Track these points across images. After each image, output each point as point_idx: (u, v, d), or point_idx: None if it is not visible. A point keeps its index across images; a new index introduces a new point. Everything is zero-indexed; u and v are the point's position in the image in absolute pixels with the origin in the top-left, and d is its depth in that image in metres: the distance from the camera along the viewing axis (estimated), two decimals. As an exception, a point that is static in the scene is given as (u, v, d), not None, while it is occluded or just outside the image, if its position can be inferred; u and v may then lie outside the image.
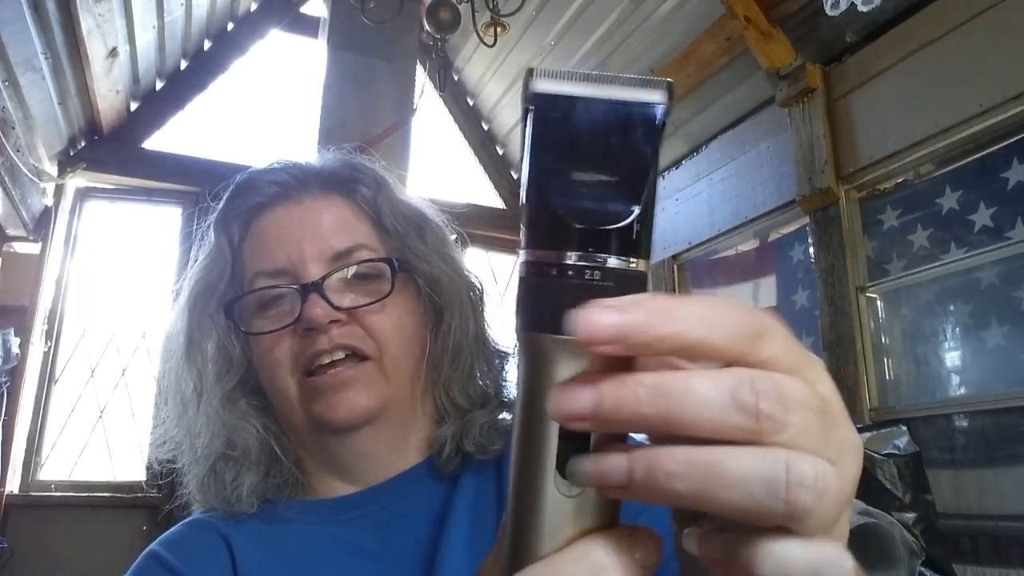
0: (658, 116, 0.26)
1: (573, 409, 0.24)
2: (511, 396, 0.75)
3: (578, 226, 0.25)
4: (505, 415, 0.73)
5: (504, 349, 0.76)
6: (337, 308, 0.66)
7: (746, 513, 0.23)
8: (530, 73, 0.26)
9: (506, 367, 0.76)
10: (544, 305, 0.25)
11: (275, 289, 0.68)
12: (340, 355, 0.66)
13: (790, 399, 0.24)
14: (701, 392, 0.23)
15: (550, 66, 0.26)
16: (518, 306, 0.26)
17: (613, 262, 0.25)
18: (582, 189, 0.25)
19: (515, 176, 5.09)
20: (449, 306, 0.72)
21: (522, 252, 0.26)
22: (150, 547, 0.67)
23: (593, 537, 0.26)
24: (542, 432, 0.26)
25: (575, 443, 0.26)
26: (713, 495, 0.23)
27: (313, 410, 0.66)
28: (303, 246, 0.69)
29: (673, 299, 0.24)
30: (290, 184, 0.72)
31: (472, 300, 0.75)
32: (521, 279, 0.26)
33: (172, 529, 0.70)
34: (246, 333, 0.69)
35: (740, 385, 0.23)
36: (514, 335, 0.27)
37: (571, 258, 0.25)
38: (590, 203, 0.25)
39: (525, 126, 0.26)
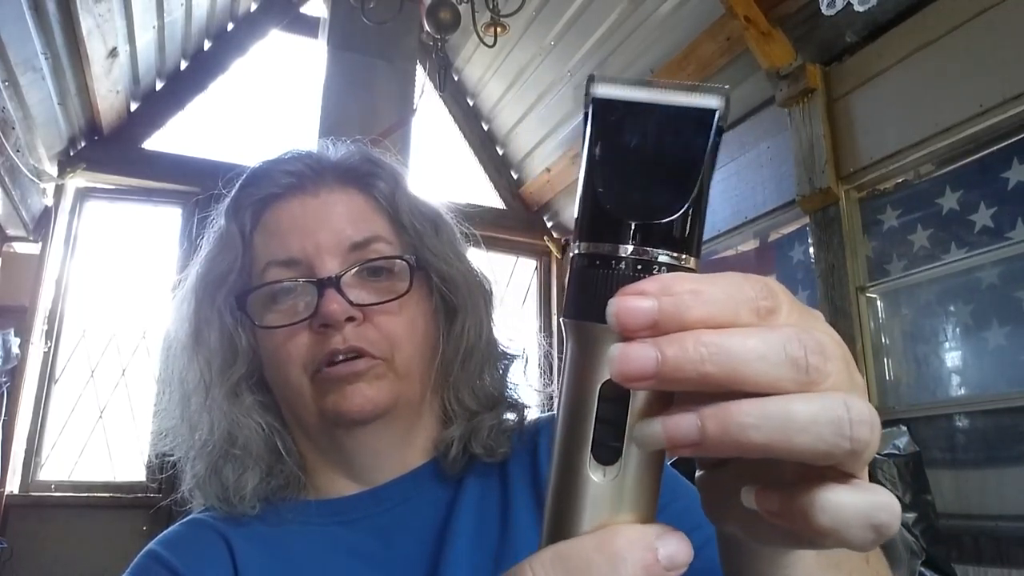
0: (712, 121, 0.27)
1: (634, 369, 0.24)
2: (517, 398, 0.74)
3: (630, 221, 0.26)
4: (509, 416, 0.72)
5: (511, 352, 0.75)
6: (354, 304, 0.65)
7: (816, 454, 0.25)
8: (591, 78, 0.27)
9: (511, 369, 0.75)
10: (594, 295, 0.26)
11: (290, 282, 0.67)
12: (353, 355, 0.65)
13: (827, 350, 0.26)
14: (757, 348, 0.25)
15: (612, 72, 0.27)
16: (568, 295, 0.28)
17: (663, 257, 0.26)
18: (636, 187, 0.27)
19: (515, 176, 5.09)
20: (463, 307, 0.71)
21: (575, 245, 0.28)
22: (148, 546, 0.66)
23: (621, 526, 0.26)
24: (582, 418, 0.27)
25: (611, 428, 0.27)
26: (787, 440, 0.24)
27: (326, 402, 0.65)
28: (319, 237, 0.67)
29: (696, 281, 0.25)
30: (306, 175, 0.71)
31: (485, 301, 0.74)
32: (572, 270, 0.28)
33: (171, 528, 0.69)
34: (260, 327, 0.68)
35: (788, 341, 0.25)
36: (563, 323, 0.28)
37: (623, 251, 0.26)
38: (643, 200, 0.27)
39: (585, 128, 0.28)
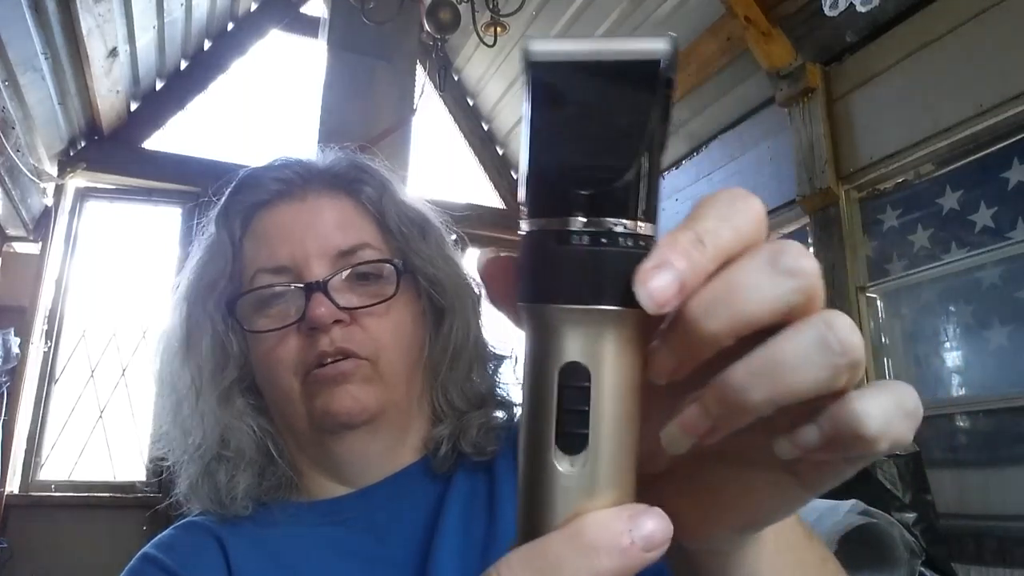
0: (659, 71, 0.24)
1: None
2: (507, 396, 0.75)
3: (579, 190, 0.24)
4: (498, 414, 0.73)
5: (500, 352, 0.76)
6: (341, 308, 0.66)
7: (820, 385, 0.24)
8: (526, 43, 0.25)
9: (501, 369, 0.76)
10: (548, 275, 0.25)
11: (279, 287, 0.68)
12: (340, 357, 0.66)
13: (812, 271, 0.25)
14: (749, 265, 0.25)
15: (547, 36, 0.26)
16: (521, 278, 0.26)
17: (619, 226, 0.24)
18: (580, 152, 0.25)
19: (515, 176, 5.09)
20: (451, 309, 0.72)
21: (524, 223, 0.26)
22: (143, 550, 0.66)
23: (590, 515, 0.24)
24: (543, 406, 0.25)
25: (573, 416, 0.25)
26: (786, 386, 0.24)
27: (315, 405, 0.65)
28: (306, 243, 0.68)
29: (692, 225, 0.25)
30: (294, 182, 0.72)
31: (473, 303, 0.75)
32: (523, 250, 0.26)
33: (165, 532, 0.69)
34: (249, 331, 0.68)
35: (777, 251, 0.25)
36: (520, 308, 0.26)
37: (575, 224, 0.24)
38: (591, 166, 0.25)
39: (524, 95, 0.26)
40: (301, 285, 0.66)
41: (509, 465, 0.70)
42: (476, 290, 0.76)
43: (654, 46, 0.24)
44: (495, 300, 0.29)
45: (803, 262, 0.25)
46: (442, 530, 0.64)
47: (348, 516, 0.68)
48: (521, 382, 0.27)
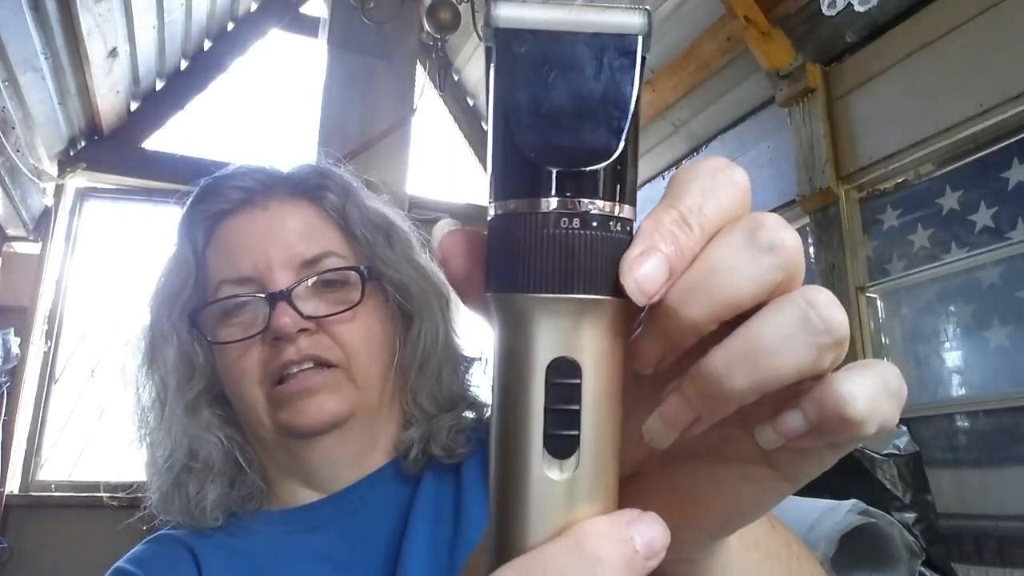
0: (638, 46, 0.23)
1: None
2: (476, 397, 0.75)
3: (554, 169, 0.23)
4: (468, 415, 0.73)
5: (471, 355, 0.76)
6: (306, 317, 0.65)
7: (804, 365, 0.23)
8: (490, 6, 0.23)
9: (471, 372, 0.76)
10: (520, 262, 0.23)
11: (242, 298, 0.67)
12: (308, 365, 0.65)
13: (792, 246, 0.24)
14: (729, 242, 0.24)
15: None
16: (494, 266, 0.24)
17: (596, 208, 0.23)
18: (557, 129, 0.23)
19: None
20: (419, 313, 0.72)
21: (491, 207, 0.24)
22: (115, 565, 0.66)
23: (588, 523, 0.23)
24: (526, 407, 0.23)
25: (564, 416, 0.23)
26: (768, 368, 0.23)
27: (281, 416, 0.65)
28: (270, 254, 0.67)
29: (674, 203, 0.24)
30: (256, 190, 0.71)
31: (441, 306, 0.74)
32: (495, 236, 0.24)
33: (137, 547, 0.69)
34: (212, 343, 0.68)
35: (753, 228, 0.24)
36: (490, 299, 0.24)
37: (549, 206, 0.23)
38: (567, 144, 0.23)
39: (489, 66, 0.24)
40: (264, 295, 0.66)
41: (477, 466, 0.69)
42: (445, 293, 0.75)
43: (631, 20, 0.23)
44: (455, 280, 0.26)
45: (783, 235, 0.24)
46: (411, 533, 0.64)
47: (320, 522, 0.68)
48: (492, 382, 0.25)
